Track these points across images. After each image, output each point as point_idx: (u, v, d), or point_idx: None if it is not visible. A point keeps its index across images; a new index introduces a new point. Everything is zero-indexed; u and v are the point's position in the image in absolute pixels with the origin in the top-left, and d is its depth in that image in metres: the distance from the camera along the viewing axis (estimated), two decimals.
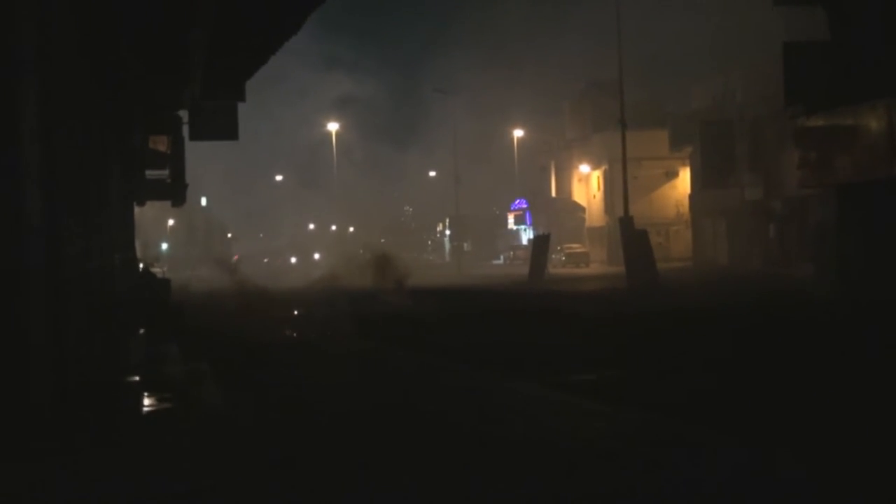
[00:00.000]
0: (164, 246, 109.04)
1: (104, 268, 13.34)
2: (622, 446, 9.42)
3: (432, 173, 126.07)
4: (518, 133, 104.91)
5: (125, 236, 26.14)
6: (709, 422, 10.72)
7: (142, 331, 20.98)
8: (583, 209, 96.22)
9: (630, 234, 43.47)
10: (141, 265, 36.57)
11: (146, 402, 12.95)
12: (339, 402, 12.81)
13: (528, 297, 35.19)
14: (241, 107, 34.00)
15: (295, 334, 23.64)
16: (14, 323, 8.77)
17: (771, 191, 58.27)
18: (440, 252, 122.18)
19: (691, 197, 75.72)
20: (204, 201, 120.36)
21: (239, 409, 12.55)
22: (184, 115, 32.97)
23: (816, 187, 34.76)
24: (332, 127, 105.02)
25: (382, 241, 67.42)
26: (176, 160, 33.29)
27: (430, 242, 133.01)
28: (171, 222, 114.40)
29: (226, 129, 34.66)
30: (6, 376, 8.71)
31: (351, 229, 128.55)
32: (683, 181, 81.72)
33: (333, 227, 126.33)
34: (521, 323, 24.16)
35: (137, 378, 14.88)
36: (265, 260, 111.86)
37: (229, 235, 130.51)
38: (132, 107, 17.05)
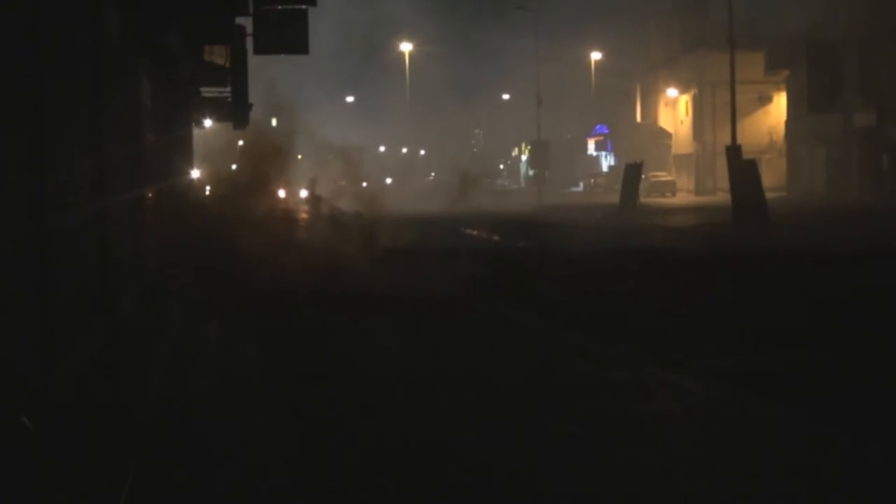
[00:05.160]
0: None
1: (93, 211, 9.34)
2: None
3: (506, 96, 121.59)
4: (596, 56, 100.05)
5: (168, 163, 22.45)
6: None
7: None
8: (669, 135, 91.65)
9: (738, 164, 39.24)
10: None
11: None
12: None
13: (632, 233, 31.26)
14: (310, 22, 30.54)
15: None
16: None
17: (886, 117, 53.50)
18: (515, 178, 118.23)
19: (788, 123, 71.06)
20: (274, 122, 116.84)
21: None
22: (248, 26, 29.44)
23: None
24: (406, 47, 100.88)
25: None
26: (237, 75, 29.71)
27: (501, 167, 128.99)
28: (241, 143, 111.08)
29: (294, 42, 31.06)
30: None
31: (422, 152, 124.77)
32: (777, 106, 77.06)
33: (404, 150, 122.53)
34: (647, 271, 20.24)
35: None
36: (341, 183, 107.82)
37: (299, 157, 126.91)
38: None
